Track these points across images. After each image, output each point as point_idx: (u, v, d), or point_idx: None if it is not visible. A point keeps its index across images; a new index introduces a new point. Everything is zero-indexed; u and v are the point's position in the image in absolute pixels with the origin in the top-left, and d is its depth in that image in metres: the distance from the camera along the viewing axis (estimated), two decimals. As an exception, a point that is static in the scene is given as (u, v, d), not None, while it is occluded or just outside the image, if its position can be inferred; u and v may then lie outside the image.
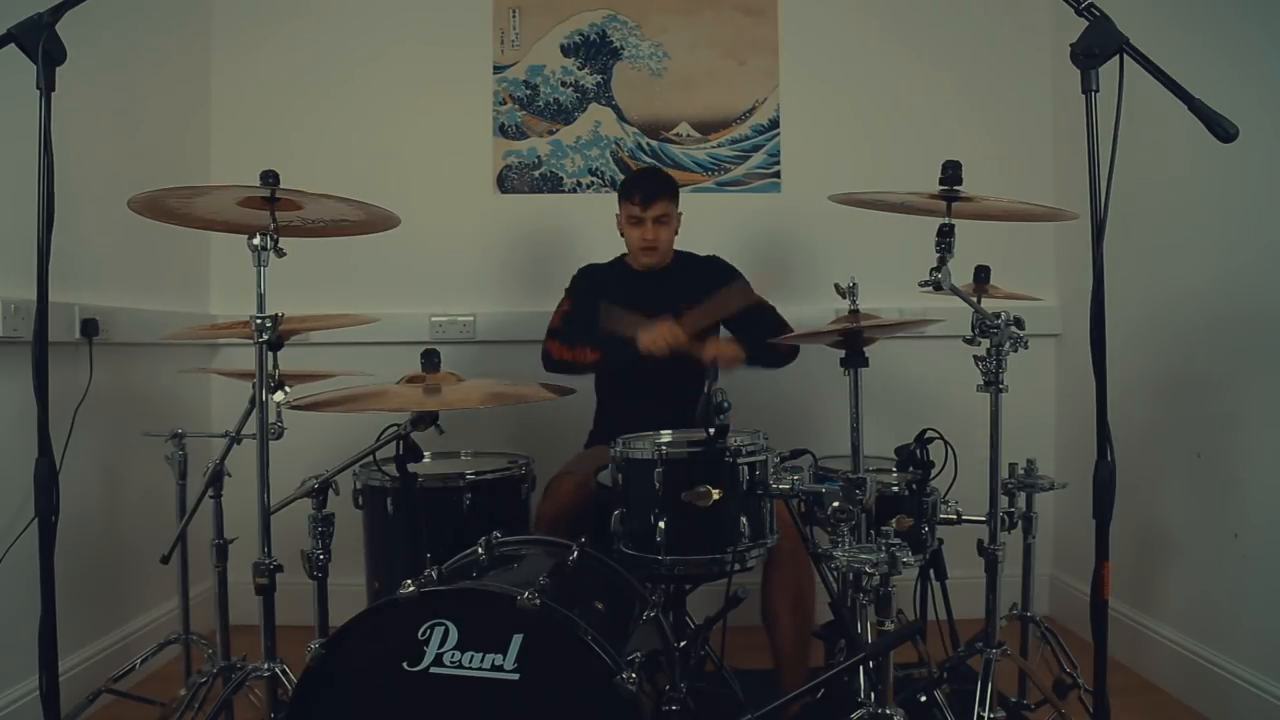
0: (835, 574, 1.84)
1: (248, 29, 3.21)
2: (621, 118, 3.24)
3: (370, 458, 1.90)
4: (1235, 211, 2.29)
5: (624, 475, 1.83)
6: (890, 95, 3.23)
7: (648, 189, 2.54)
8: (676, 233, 2.61)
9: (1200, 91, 1.34)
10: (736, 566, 1.72)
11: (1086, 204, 1.40)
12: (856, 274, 1.98)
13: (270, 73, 3.20)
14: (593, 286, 2.65)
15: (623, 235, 2.60)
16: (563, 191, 3.24)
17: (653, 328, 2.31)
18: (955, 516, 2.04)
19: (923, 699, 1.87)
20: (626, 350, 2.33)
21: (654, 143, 3.24)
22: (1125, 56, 1.36)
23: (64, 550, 1.42)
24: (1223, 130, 1.31)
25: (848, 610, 1.77)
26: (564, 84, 3.24)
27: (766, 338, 2.42)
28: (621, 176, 3.21)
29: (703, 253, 2.70)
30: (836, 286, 1.96)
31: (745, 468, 1.73)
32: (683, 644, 1.85)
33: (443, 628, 1.46)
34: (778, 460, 1.80)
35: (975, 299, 1.90)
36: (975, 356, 1.90)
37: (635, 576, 1.83)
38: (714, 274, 2.63)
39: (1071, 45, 1.38)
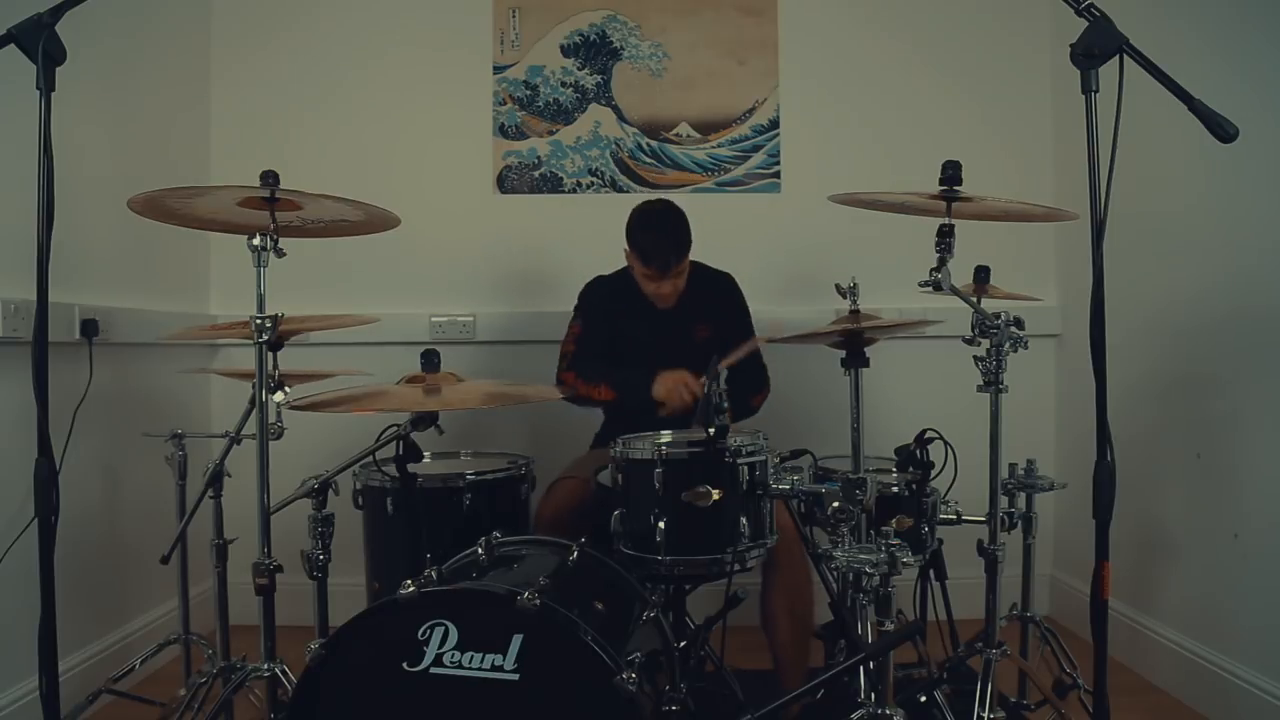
0: (835, 574, 1.84)
1: (248, 29, 3.21)
2: (621, 118, 3.24)
3: (370, 458, 1.90)
4: (1235, 212, 2.29)
5: (624, 475, 1.83)
6: (890, 95, 3.23)
7: (664, 258, 2.42)
8: None
9: (1200, 91, 1.34)
10: (736, 567, 1.72)
11: (1086, 204, 1.40)
12: (856, 274, 1.98)
13: (270, 73, 3.20)
14: (602, 303, 2.61)
15: (630, 265, 2.53)
16: (563, 192, 3.24)
17: (669, 378, 2.31)
18: (955, 516, 2.04)
19: (923, 699, 1.87)
20: (642, 394, 2.34)
21: (654, 143, 3.24)
22: (1125, 56, 1.36)
23: (64, 550, 1.42)
24: (1223, 130, 1.31)
25: (848, 610, 1.77)
26: (564, 84, 3.24)
27: (747, 387, 2.49)
28: (622, 177, 3.22)
29: (706, 260, 2.65)
30: (837, 287, 1.97)
31: (745, 468, 1.73)
32: (683, 644, 1.85)
33: (443, 628, 1.46)
34: (778, 460, 1.80)
35: (975, 299, 1.90)
36: (975, 356, 1.90)
37: (635, 576, 1.83)
38: (725, 295, 2.61)
39: (1071, 45, 1.38)
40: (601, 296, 2.64)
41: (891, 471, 2.07)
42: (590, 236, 2.97)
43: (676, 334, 2.51)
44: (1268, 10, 2.17)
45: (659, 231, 2.46)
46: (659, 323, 2.53)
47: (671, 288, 2.48)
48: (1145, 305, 2.57)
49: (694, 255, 2.61)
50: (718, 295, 2.61)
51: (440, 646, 1.46)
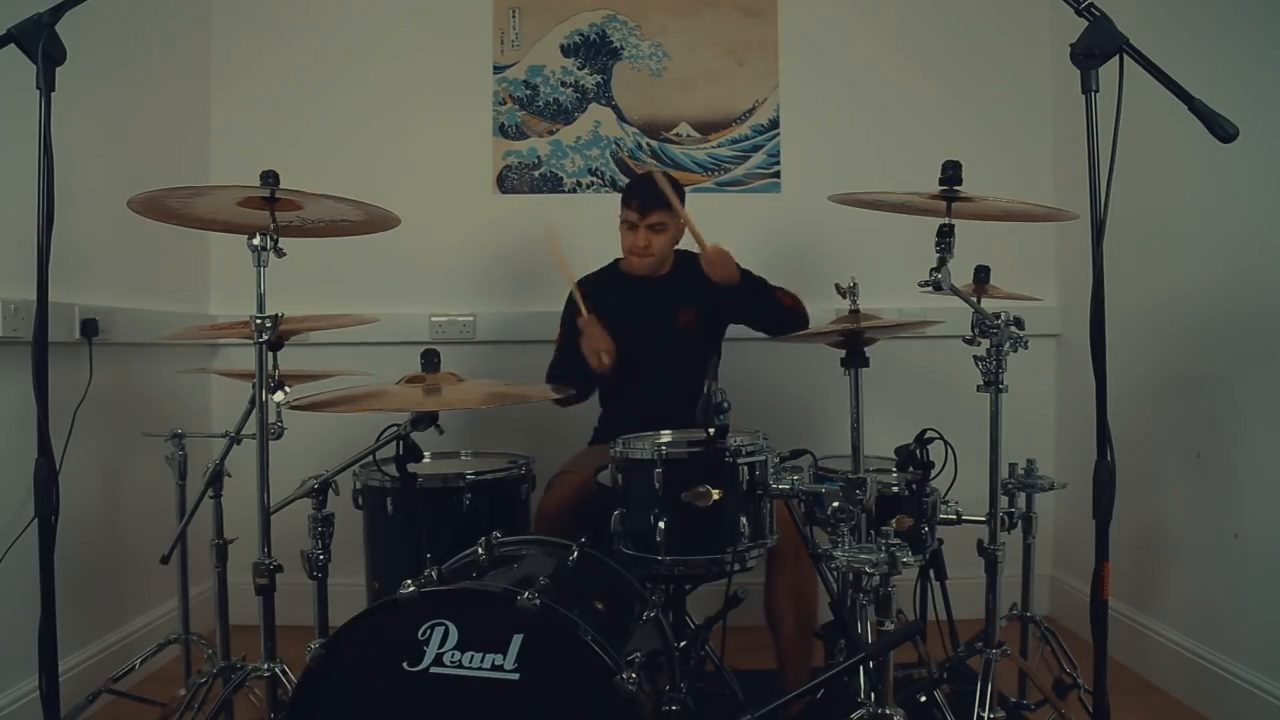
0: (835, 574, 1.84)
1: (248, 28, 3.21)
2: (621, 118, 3.24)
3: (370, 458, 1.90)
4: (1235, 212, 2.29)
5: (624, 475, 1.83)
6: (890, 95, 3.23)
7: (645, 198, 2.49)
8: (678, 241, 2.57)
9: (1200, 91, 1.34)
10: (736, 567, 1.72)
11: (1086, 204, 1.40)
12: (856, 274, 1.98)
13: (269, 72, 3.20)
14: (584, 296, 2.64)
15: (620, 232, 2.57)
16: (563, 192, 3.24)
17: (589, 339, 2.40)
18: (955, 516, 2.04)
19: (923, 699, 1.87)
20: (581, 369, 2.44)
21: (654, 143, 3.24)
22: (1125, 56, 1.36)
23: (64, 550, 1.42)
24: (1223, 130, 1.31)
25: (848, 610, 1.77)
26: (564, 84, 3.24)
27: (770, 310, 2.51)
28: (622, 177, 3.22)
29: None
30: (837, 287, 1.96)
31: (745, 468, 1.73)
32: (683, 644, 1.85)
33: (443, 628, 1.46)
34: (778, 460, 1.80)
35: (975, 299, 1.90)
36: (975, 356, 1.90)
37: (635, 576, 1.83)
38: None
39: (1071, 45, 1.38)
40: (585, 290, 2.64)
41: (891, 471, 2.07)
42: (590, 236, 2.97)
43: (658, 311, 2.52)
44: (1267, 11, 2.17)
45: (645, 178, 2.55)
46: (640, 298, 2.55)
47: (646, 240, 2.48)
48: (1145, 305, 2.57)
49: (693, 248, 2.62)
50: (705, 277, 2.58)
51: (440, 646, 1.46)
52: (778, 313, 2.53)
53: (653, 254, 2.52)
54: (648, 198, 2.48)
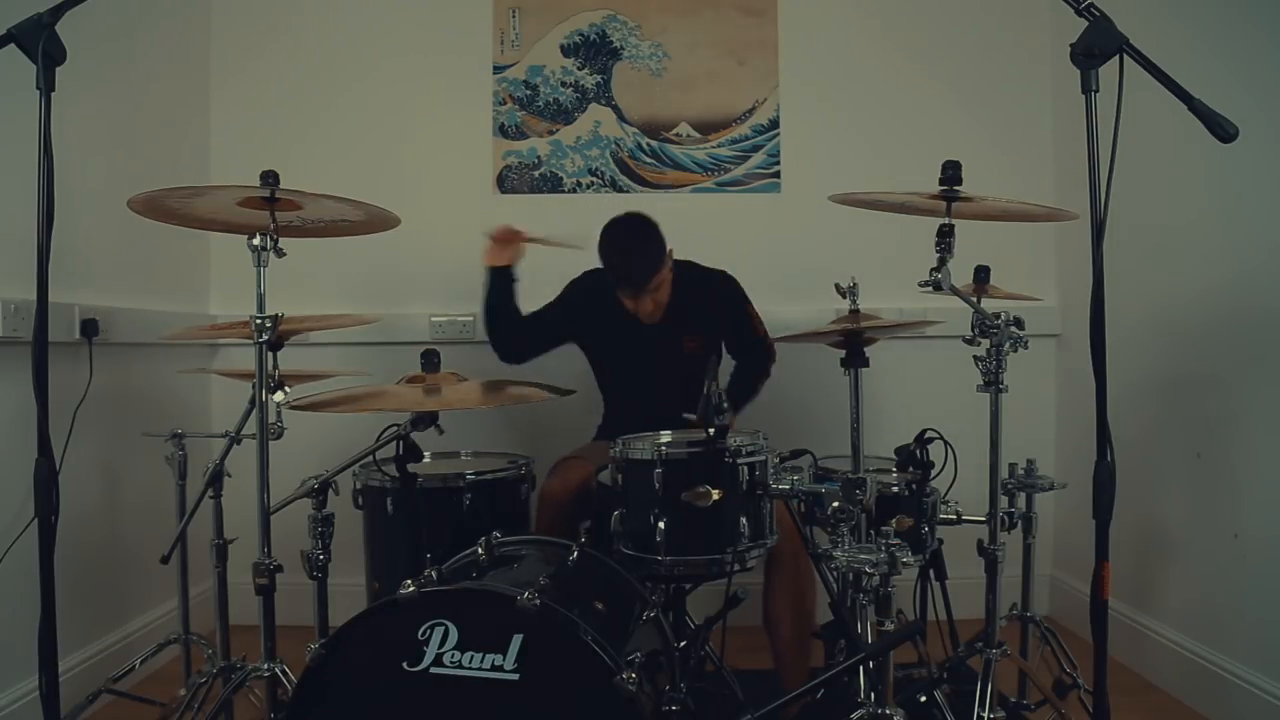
0: (835, 574, 1.84)
1: (247, 27, 3.21)
2: (621, 118, 3.24)
3: (370, 458, 1.90)
4: (1235, 212, 2.29)
5: (624, 475, 1.83)
6: (890, 95, 3.23)
7: (635, 279, 2.34)
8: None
9: (1201, 91, 1.34)
10: (736, 567, 1.72)
11: (1086, 204, 1.40)
12: (856, 274, 1.98)
13: (270, 71, 3.20)
14: (581, 299, 2.60)
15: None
16: (563, 192, 3.24)
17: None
18: (955, 516, 2.04)
19: (923, 699, 1.87)
20: (491, 295, 2.58)
21: (654, 143, 3.24)
22: (1125, 56, 1.36)
23: (64, 550, 1.42)
24: (1223, 130, 1.31)
25: (848, 610, 1.77)
26: (564, 84, 3.24)
27: (749, 374, 2.47)
28: (622, 177, 3.22)
29: (705, 260, 2.62)
30: (837, 286, 1.97)
31: (745, 468, 1.73)
32: (683, 644, 1.85)
33: (443, 628, 1.46)
34: (778, 460, 1.80)
35: (975, 299, 1.90)
36: (975, 356, 1.90)
37: (635, 576, 1.83)
38: (717, 296, 2.55)
39: (1071, 45, 1.38)
40: (585, 293, 2.59)
41: (891, 471, 2.07)
42: (590, 236, 2.97)
43: (663, 349, 2.47)
44: (1268, 10, 2.17)
45: (627, 249, 2.37)
46: (646, 339, 2.49)
47: (653, 303, 2.42)
48: (1145, 305, 2.57)
49: (692, 256, 2.60)
50: (708, 298, 2.54)
51: (440, 646, 1.46)
52: (746, 388, 2.55)
53: (663, 303, 2.45)
54: (638, 279, 2.34)
